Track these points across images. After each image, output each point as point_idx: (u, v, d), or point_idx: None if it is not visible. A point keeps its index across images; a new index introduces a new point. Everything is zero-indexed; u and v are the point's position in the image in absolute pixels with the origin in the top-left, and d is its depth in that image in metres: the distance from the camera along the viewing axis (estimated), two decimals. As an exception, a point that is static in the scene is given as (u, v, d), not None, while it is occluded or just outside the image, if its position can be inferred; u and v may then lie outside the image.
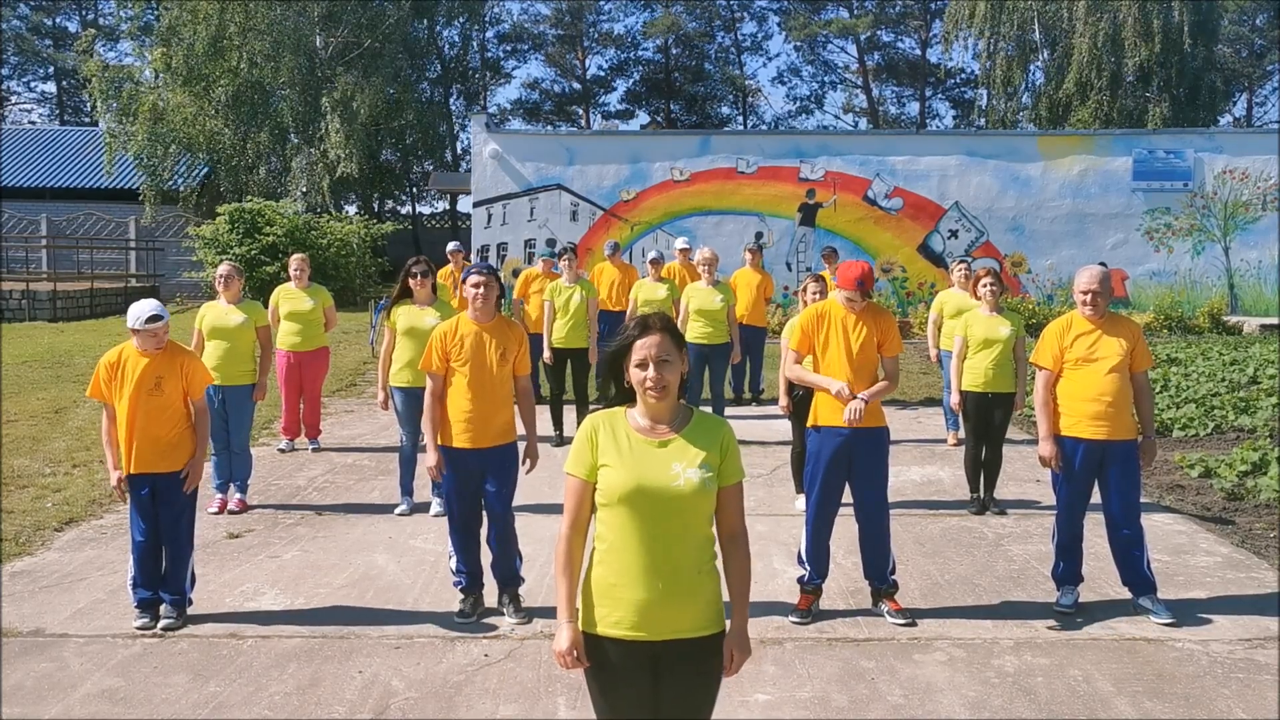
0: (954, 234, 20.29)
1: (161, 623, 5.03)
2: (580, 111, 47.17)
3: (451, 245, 11.79)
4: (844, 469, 5.24)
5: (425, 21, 34.71)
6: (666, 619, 2.74)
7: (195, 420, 5.14)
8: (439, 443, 5.18)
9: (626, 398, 2.86)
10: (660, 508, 2.72)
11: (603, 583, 2.78)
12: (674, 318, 9.14)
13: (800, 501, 7.21)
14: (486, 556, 5.30)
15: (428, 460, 5.20)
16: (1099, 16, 27.72)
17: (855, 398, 5.06)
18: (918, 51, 45.00)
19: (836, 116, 48.80)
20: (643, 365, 2.76)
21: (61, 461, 8.51)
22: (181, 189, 27.56)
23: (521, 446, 5.28)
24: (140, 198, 27.33)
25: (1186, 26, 27.04)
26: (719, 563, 2.87)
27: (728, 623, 2.85)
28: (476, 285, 5.14)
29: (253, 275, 21.41)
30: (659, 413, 2.81)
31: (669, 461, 2.75)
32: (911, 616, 5.20)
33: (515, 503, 5.32)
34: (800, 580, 5.33)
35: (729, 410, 10.08)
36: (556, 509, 6.84)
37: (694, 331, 9.15)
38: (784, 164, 20.35)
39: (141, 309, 4.97)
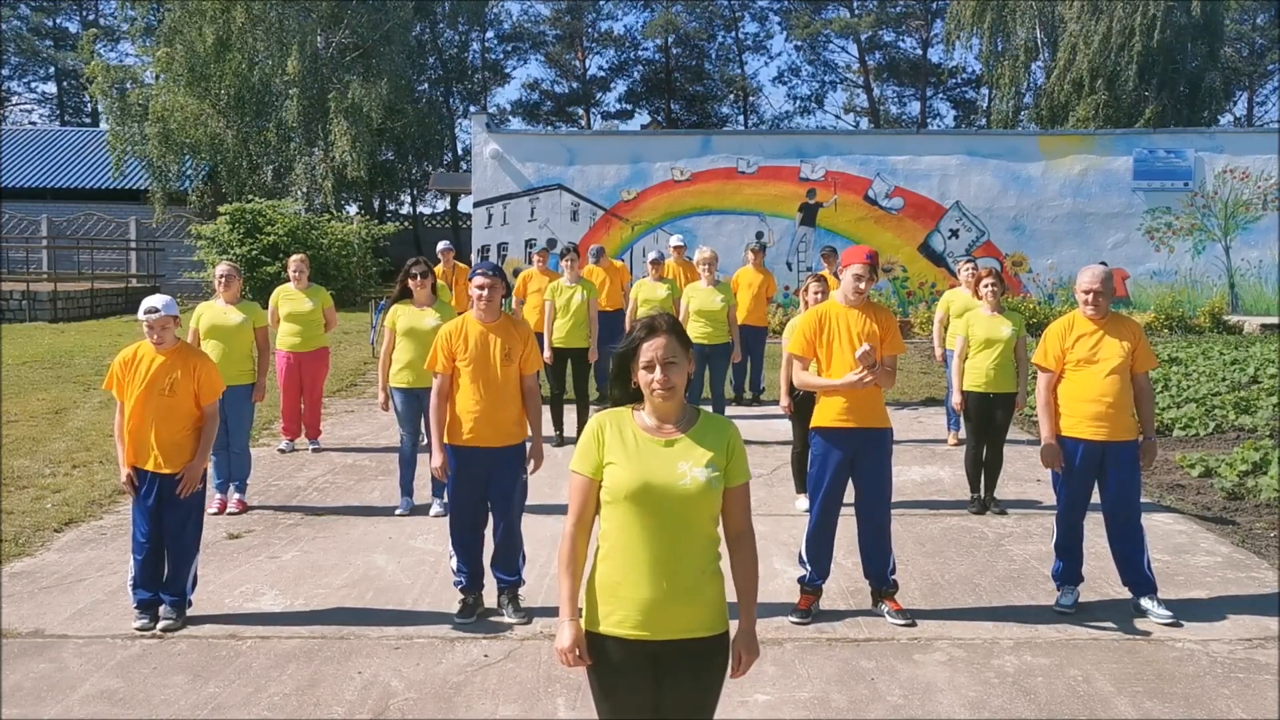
0: (955, 234, 20.29)
1: (161, 624, 5.03)
2: (580, 111, 47.18)
3: (442, 245, 11.85)
4: (848, 471, 5.23)
5: (426, 22, 34.70)
6: (670, 619, 2.73)
7: (203, 425, 5.14)
8: (447, 442, 5.19)
9: (633, 398, 2.87)
10: (666, 507, 2.72)
11: (607, 581, 2.77)
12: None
13: (800, 501, 7.21)
14: (487, 556, 5.29)
15: (433, 461, 5.21)
16: (1098, 16, 27.72)
17: (870, 366, 4.95)
18: (919, 51, 45.03)
19: (837, 116, 48.82)
20: (649, 367, 2.76)
21: (61, 462, 8.51)
22: (179, 190, 27.59)
23: (526, 447, 5.28)
24: (148, 198, 27.39)
25: (1166, 27, 27.01)
26: (723, 564, 2.86)
27: (731, 623, 2.85)
28: (481, 287, 5.15)
29: (253, 275, 21.42)
30: (666, 413, 2.81)
31: (675, 461, 2.75)
32: (911, 617, 5.20)
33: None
34: (801, 580, 5.32)
35: (729, 410, 10.07)
36: (557, 509, 6.84)
37: (694, 331, 9.14)
38: (784, 164, 20.35)
39: (146, 302, 5.05)
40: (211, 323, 7.25)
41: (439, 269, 11.42)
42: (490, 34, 44.21)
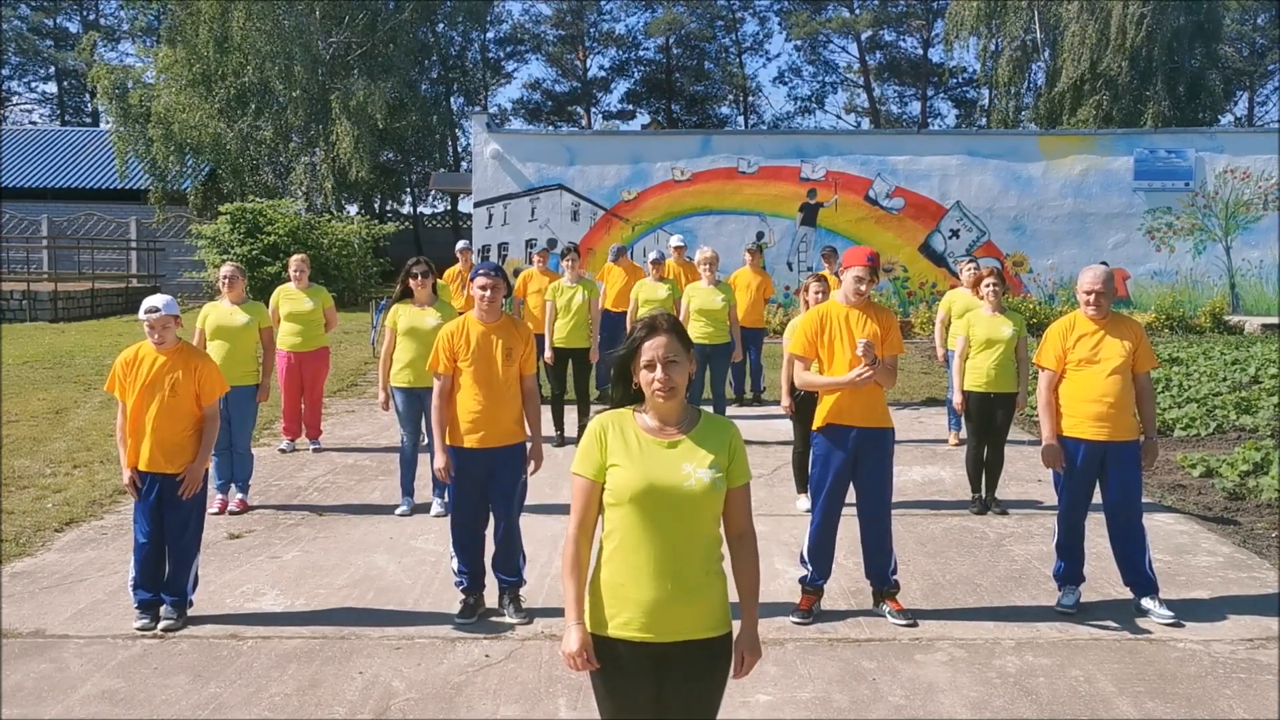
0: (955, 234, 20.28)
1: (161, 624, 5.03)
2: (581, 111, 47.19)
3: (461, 244, 11.85)
4: (850, 471, 5.22)
5: (428, 22, 34.72)
6: (674, 620, 2.73)
7: (204, 426, 5.14)
8: (447, 443, 5.18)
9: (634, 399, 2.86)
10: (670, 508, 2.72)
11: (611, 583, 2.77)
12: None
13: (801, 502, 7.21)
14: (488, 557, 5.29)
15: (436, 462, 5.21)
16: (1098, 16, 27.72)
17: (871, 362, 4.93)
18: (919, 51, 45.04)
19: (838, 116, 48.85)
20: (650, 366, 2.75)
21: (62, 462, 8.51)
22: (180, 189, 27.60)
23: (527, 447, 5.28)
24: (148, 198, 27.43)
25: (1166, 27, 27.00)
26: (725, 564, 2.86)
27: (734, 624, 2.84)
28: (483, 287, 5.16)
29: (254, 275, 21.38)
30: (667, 413, 2.81)
31: (679, 462, 2.75)
32: (913, 617, 5.19)
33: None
34: (802, 580, 5.31)
35: (730, 410, 10.07)
36: (558, 509, 6.84)
37: (695, 331, 9.13)
38: (785, 164, 20.34)
39: (147, 301, 5.05)
40: (217, 324, 7.25)
41: (456, 268, 11.42)
42: (491, 34, 44.24)
